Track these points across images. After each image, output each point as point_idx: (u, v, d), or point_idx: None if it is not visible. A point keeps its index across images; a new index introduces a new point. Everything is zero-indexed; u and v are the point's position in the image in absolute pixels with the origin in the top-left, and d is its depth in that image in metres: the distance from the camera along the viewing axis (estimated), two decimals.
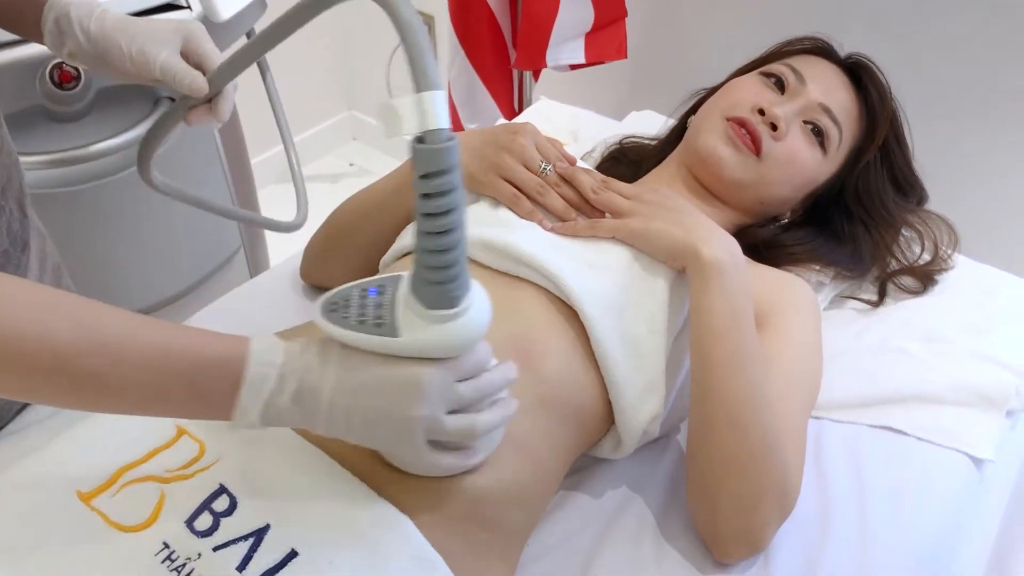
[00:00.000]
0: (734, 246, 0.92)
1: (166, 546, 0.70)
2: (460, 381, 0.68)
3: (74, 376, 0.60)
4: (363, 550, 0.70)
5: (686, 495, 0.91)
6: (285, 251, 1.33)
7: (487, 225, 0.95)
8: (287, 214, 1.24)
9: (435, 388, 0.66)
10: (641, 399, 0.90)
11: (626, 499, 0.95)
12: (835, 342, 1.11)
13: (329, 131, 2.87)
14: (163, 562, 0.69)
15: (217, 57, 0.88)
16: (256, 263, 1.67)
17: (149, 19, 0.89)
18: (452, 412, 0.68)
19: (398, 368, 0.66)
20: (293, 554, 0.69)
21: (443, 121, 0.58)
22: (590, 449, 0.95)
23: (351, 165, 2.85)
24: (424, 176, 0.60)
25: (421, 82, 0.58)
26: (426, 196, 0.60)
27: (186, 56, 0.88)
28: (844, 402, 1.05)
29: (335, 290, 0.70)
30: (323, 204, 1.26)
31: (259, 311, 1.17)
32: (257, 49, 0.79)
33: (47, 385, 0.61)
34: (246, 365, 0.65)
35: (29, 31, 0.88)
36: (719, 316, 0.88)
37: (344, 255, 1.11)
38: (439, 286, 0.64)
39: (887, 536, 0.91)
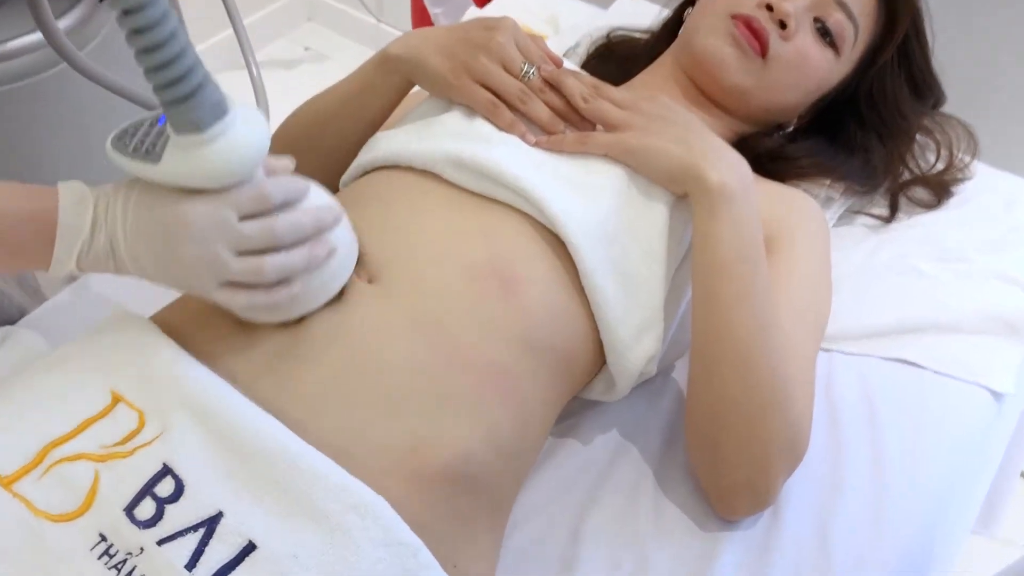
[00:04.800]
0: (743, 167, 0.81)
1: (103, 538, 0.61)
2: (246, 219, 0.64)
3: None
4: (332, 539, 0.61)
5: (686, 444, 0.83)
6: None
7: (460, 138, 0.83)
8: None
9: (203, 225, 0.63)
10: (636, 337, 0.80)
11: (620, 447, 0.87)
12: (845, 263, 1.02)
13: (280, 12, 2.65)
14: (100, 557, 0.60)
15: None
16: None
17: None
18: (245, 253, 0.65)
19: (168, 205, 0.64)
20: (251, 547, 0.60)
21: None
22: (580, 391, 0.86)
23: (307, 50, 2.65)
24: None
25: None
26: (125, 13, 0.57)
27: None
28: (855, 332, 0.96)
29: (134, 120, 0.68)
30: (277, 95, 1.11)
31: None
32: None
33: None
34: (57, 220, 0.65)
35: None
36: (726, 248, 0.78)
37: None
38: (177, 107, 0.61)
39: (903, 482, 0.84)
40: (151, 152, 0.64)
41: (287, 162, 0.69)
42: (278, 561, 0.59)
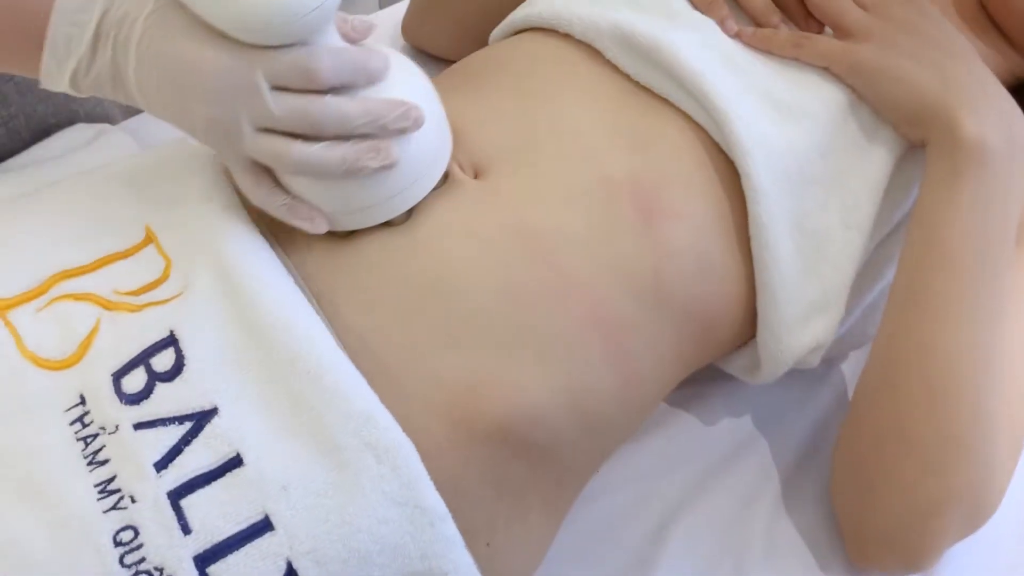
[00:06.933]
0: (1017, 121, 0.58)
1: (82, 401, 0.50)
2: (280, 90, 0.49)
3: None
4: (332, 475, 0.48)
5: (833, 464, 0.64)
6: None
7: (640, 9, 0.63)
8: None
9: (223, 83, 0.49)
10: (803, 319, 0.61)
11: (748, 438, 0.70)
12: None
13: None
14: (72, 424, 0.50)
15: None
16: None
17: None
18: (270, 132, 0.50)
19: (187, 41, 0.50)
20: (237, 461, 0.48)
21: None
22: (714, 360, 0.68)
23: None
24: None
25: None
26: None
27: None
28: None
29: None
30: None
31: None
32: None
33: None
34: (50, 22, 0.51)
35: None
36: (960, 231, 0.57)
37: (448, 16, 0.83)
38: None
39: None
40: None
41: (368, 26, 0.53)
42: (262, 488, 0.47)
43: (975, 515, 0.60)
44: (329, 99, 0.49)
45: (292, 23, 0.48)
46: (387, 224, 0.55)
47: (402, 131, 0.51)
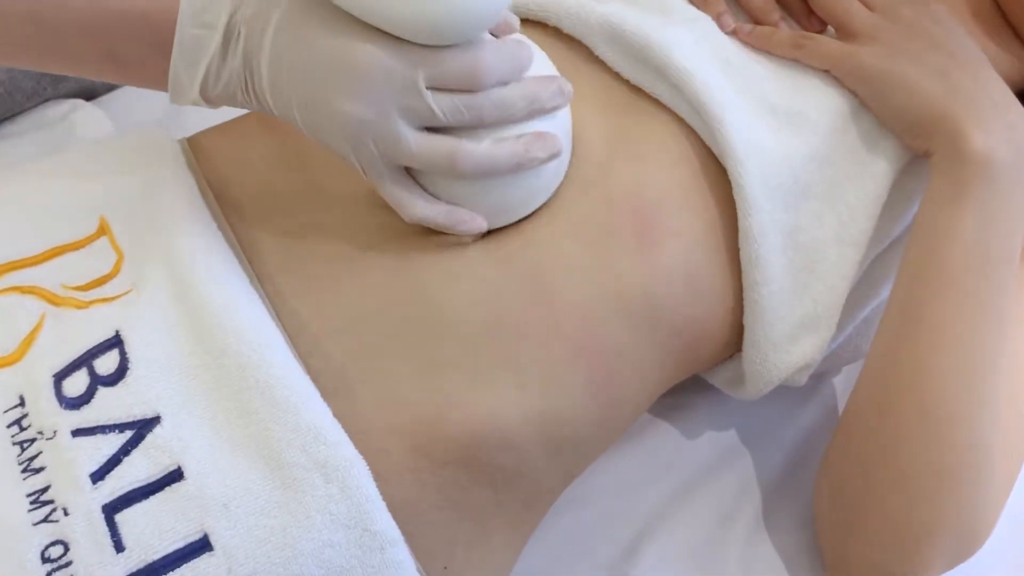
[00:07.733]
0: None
1: (21, 403, 0.48)
2: (437, 91, 0.47)
3: None
4: (276, 494, 0.45)
5: (815, 489, 0.61)
6: None
7: (633, 3, 0.60)
8: None
9: (380, 81, 0.46)
10: (791, 338, 0.58)
11: (730, 453, 0.67)
12: None
13: None
14: (9, 426, 0.47)
15: None
16: None
17: None
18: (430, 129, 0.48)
19: (337, 38, 0.46)
20: (177, 475, 0.45)
21: None
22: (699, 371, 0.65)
23: None
24: None
25: None
26: None
27: None
28: None
29: None
30: None
31: None
32: None
33: None
34: (178, 25, 0.49)
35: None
36: (963, 249, 0.54)
37: None
38: None
39: None
40: None
41: (512, 23, 0.51)
42: (202, 504, 0.45)
43: (964, 547, 0.57)
44: (491, 90, 0.47)
45: (477, 27, 0.46)
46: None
47: (556, 108, 0.50)
